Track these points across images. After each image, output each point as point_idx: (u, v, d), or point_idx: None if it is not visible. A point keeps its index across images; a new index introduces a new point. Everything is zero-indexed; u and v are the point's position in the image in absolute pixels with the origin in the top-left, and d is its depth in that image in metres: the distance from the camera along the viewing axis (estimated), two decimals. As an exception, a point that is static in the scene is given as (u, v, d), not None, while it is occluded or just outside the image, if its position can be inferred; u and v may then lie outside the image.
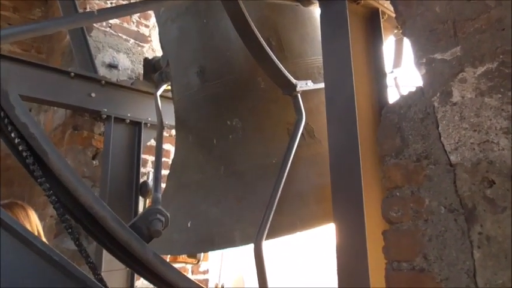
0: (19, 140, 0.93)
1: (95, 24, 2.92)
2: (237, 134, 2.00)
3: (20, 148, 0.93)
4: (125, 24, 3.20)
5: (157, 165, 1.83)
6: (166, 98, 2.70)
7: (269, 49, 1.69)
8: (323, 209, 1.58)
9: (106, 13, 1.22)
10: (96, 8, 3.04)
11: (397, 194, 1.01)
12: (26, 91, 2.37)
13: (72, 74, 2.62)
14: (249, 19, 1.66)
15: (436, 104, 0.95)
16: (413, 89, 1.01)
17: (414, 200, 0.96)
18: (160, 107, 2.43)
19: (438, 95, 0.94)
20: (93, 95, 2.70)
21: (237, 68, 2.13)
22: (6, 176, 3.36)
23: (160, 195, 1.52)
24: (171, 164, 2.30)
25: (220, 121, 2.10)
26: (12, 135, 0.93)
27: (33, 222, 2.04)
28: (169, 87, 2.67)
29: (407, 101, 1.01)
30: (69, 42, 3.01)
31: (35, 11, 3.54)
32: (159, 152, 1.93)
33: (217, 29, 2.19)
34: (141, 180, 2.87)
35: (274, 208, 1.48)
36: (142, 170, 2.92)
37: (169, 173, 2.28)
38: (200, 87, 2.19)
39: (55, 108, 3.03)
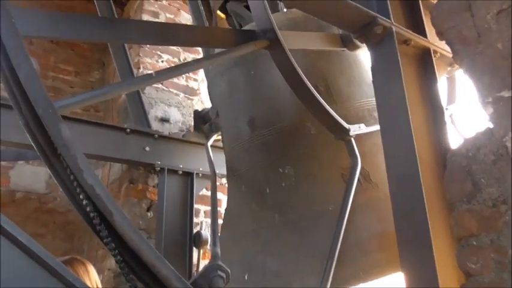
0: (86, 201, 0.96)
1: (147, 82, 3.07)
2: (289, 182, 1.98)
3: (88, 209, 0.96)
4: (175, 80, 3.35)
5: (214, 218, 1.82)
6: (217, 148, 2.75)
7: (319, 95, 1.69)
8: (386, 258, 1.49)
9: (163, 74, 1.28)
10: (149, 66, 3.23)
11: (474, 242, 0.93)
12: (87, 149, 2.50)
13: (128, 129, 2.74)
14: (297, 67, 1.68)
15: (508, 145, 0.88)
16: (481, 130, 0.96)
17: (495, 249, 0.88)
18: (212, 157, 2.47)
19: (510, 135, 0.88)
20: (147, 148, 2.80)
21: (286, 115, 2.15)
22: (66, 230, 3.49)
23: (219, 250, 1.50)
24: (225, 213, 2.29)
25: (272, 169, 2.09)
26: (80, 196, 0.97)
27: (92, 278, 2.08)
28: (219, 137, 2.73)
29: (476, 143, 0.96)
30: (124, 100, 3.19)
31: (94, 73, 3.80)
32: (214, 204, 1.94)
33: (264, 79, 2.24)
34: (195, 230, 2.88)
35: (335, 258, 1.41)
36: (195, 220, 2.94)
37: (223, 223, 2.27)
38: (250, 136, 2.21)
39: (111, 162, 3.17)
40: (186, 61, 3.46)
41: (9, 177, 3.23)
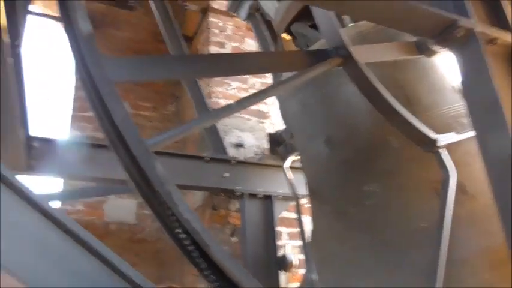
0: (184, 235, 0.98)
1: (220, 110, 3.18)
2: (376, 200, 1.90)
3: (186, 242, 0.99)
4: (246, 105, 3.41)
5: (304, 241, 1.79)
6: (294, 169, 2.73)
7: (400, 107, 1.61)
8: (499, 276, 1.36)
9: (242, 103, 1.30)
10: (220, 95, 3.33)
11: None
12: (172, 180, 2.61)
13: (207, 158, 2.83)
14: (375, 81, 1.63)
15: None
16: None
17: None
18: (291, 178, 2.46)
19: None
20: (226, 175, 2.86)
21: (364, 131, 2.08)
22: (157, 258, 3.65)
23: (313, 276, 1.47)
24: (311, 235, 2.25)
25: (355, 188, 2.02)
26: (178, 230, 1.00)
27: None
28: (296, 158, 2.72)
29: None
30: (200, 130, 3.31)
31: (169, 106, 4.01)
32: (302, 227, 1.91)
33: (337, 96, 2.20)
34: (279, 253, 2.86)
35: (442, 279, 1.31)
36: (278, 242, 2.93)
37: (310, 245, 2.23)
38: (329, 155, 2.16)
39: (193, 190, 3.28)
40: (254, 86, 3.53)
41: (103, 210, 3.47)
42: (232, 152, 3.13)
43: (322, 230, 2.20)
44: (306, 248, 1.79)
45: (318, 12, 1.77)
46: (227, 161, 2.92)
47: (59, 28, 4.17)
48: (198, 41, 3.74)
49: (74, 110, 3.70)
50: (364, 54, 1.69)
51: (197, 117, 2.90)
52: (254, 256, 2.78)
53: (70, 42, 1.12)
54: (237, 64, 1.51)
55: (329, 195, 2.18)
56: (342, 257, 1.89)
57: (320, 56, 1.66)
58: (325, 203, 2.20)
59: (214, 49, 3.42)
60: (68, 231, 0.78)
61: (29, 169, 2.23)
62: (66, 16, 1.06)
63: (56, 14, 3.61)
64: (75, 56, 1.13)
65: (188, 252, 1.00)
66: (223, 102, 3.34)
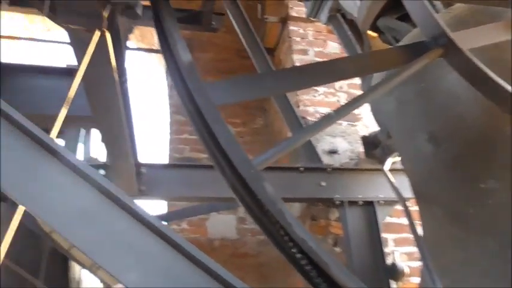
0: (300, 254, 0.96)
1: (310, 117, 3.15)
2: (498, 198, 1.71)
3: (302, 262, 0.96)
4: (335, 110, 3.33)
5: (421, 249, 1.66)
6: (394, 171, 2.58)
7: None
8: None
9: (342, 111, 1.25)
10: (308, 103, 3.29)
11: None
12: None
13: (302, 168, 2.80)
14: (484, 67, 1.47)
15: None
16: None
17: None
18: (393, 182, 2.32)
19: None
20: (323, 183, 2.80)
21: (474, 123, 1.89)
22: (260, 272, 3.68)
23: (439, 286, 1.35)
24: (424, 241, 2.09)
25: (469, 186, 1.84)
26: (293, 250, 0.97)
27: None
28: (396, 159, 2.57)
29: None
30: (290, 139, 3.29)
31: (257, 120, 4.07)
32: (415, 232, 1.78)
33: (438, 89, 2.03)
34: (387, 261, 2.71)
35: None
36: (385, 250, 2.78)
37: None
38: (435, 153, 2.00)
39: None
40: (341, 89, 3.43)
41: (206, 227, 3.61)
42: (326, 159, 3.06)
43: (435, 235, 2.04)
44: (423, 255, 1.66)
45: (409, 2, 1.66)
46: (322, 170, 2.86)
47: (150, 59, 4.47)
48: (281, 52, 3.75)
49: (171, 133, 3.93)
50: (467, 40, 1.54)
51: (301, 128, 2.88)
52: (361, 266, 2.67)
53: (171, 71, 1.17)
54: (329, 71, 1.47)
55: (439, 196, 2.01)
56: (467, 266, 1.72)
57: (417, 50, 1.55)
58: (435, 205, 2.04)
59: (297, 57, 3.40)
60: (185, 253, 0.80)
61: (140, 194, 2.39)
62: (167, 48, 1.10)
63: (148, 46, 3.88)
64: (176, 83, 1.18)
65: (306, 272, 0.97)
66: (311, 109, 3.29)
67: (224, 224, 3.65)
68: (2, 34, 2.78)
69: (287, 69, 2.78)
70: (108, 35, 1.23)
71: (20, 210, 1.21)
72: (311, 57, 3.43)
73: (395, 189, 2.22)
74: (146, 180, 2.47)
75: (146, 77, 4.62)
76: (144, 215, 0.76)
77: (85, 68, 1.17)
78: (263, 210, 1.02)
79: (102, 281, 2.67)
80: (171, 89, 4.09)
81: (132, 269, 0.73)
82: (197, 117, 1.08)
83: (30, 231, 2.62)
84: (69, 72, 1.71)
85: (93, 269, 2.52)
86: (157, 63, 4.32)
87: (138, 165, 2.46)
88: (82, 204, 0.78)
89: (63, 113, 1.11)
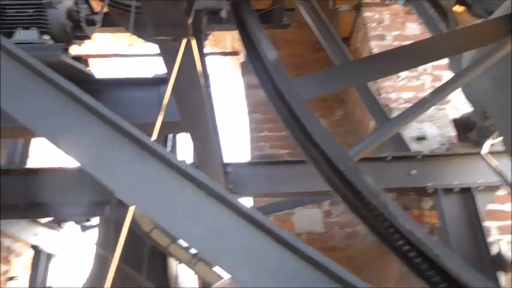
0: (408, 246, 0.91)
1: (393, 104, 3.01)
2: None
3: (411, 255, 0.91)
4: (419, 94, 3.15)
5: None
6: (495, 154, 2.38)
7: None
8: None
9: (438, 93, 1.18)
10: (390, 89, 3.15)
11: None
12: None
13: (388, 157, 2.68)
14: None
15: None
16: None
17: None
18: (496, 165, 2.14)
19: None
20: (413, 172, 2.66)
21: None
22: (350, 264, 3.60)
23: None
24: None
25: None
26: (399, 243, 0.93)
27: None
28: (494, 141, 2.37)
29: None
30: (372, 129, 3.18)
31: (337, 112, 3.99)
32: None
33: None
34: (492, 251, 2.50)
35: None
36: (488, 239, 2.57)
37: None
38: (544, 131, 1.81)
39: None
40: (425, 71, 3.23)
41: (292, 222, 3.62)
42: (414, 146, 2.91)
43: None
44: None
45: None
46: (412, 157, 2.71)
47: (224, 62, 4.59)
48: (356, 40, 3.64)
49: (250, 132, 3.99)
50: None
51: (392, 118, 2.77)
52: (462, 257, 2.49)
53: (257, 70, 1.19)
54: (415, 54, 1.39)
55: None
56: None
57: (517, 20, 1.41)
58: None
59: (375, 43, 3.27)
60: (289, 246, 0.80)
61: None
62: (252, 48, 1.12)
63: (222, 50, 3.98)
64: (263, 81, 1.19)
65: (415, 265, 0.92)
66: (394, 96, 3.14)
67: (310, 218, 3.63)
68: (92, 53, 3.02)
69: (370, 57, 2.68)
70: (193, 42, 1.27)
71: (131, 211, 1.30)
72: (389, 42, 3.27)
73: (499, 173, 2.04)
74: (233, 178, 2.53)
75: (222, 79, 4.74)
76: (251, 213, 0.78)
77: (175, 75, 1.22)
78: (364, 203, 1.00)
79: (199, 275, 2.79)
80: (248, 89, 4.16)
81: (243, 266, 0.75)
82: (287, 114, 1.08)
83: (131, 231, 2.82)
84: (156, 82, 1.80)
85: (191, 264, 2.64)
86: (232, 65, 4.42)
87: (224, 165, 2.53)
88: (190, 203, 0.81)
89: (159, 119, 1.17)
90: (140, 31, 2.45)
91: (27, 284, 3.53)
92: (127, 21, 2.45)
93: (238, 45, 4.14)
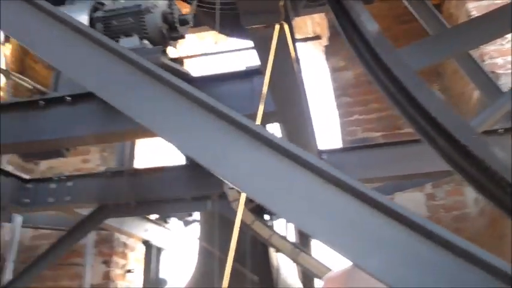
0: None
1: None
2: None
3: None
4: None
5: None
6: None
7: None
8: None
9: None
10: (495, 54, 2.84)
11: None
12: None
13: (501, 130, 2.41)
14: None
15: None
16: None
17: None
18: None
19: None
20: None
21: None
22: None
23: None
24: None
25: None
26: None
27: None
28: None
29: None
30: (477, 100, 2.91)
31: (433, 86, 3.71)
32: None
33: None
34: None
35: None
36: None
37: None
38: None
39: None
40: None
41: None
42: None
43: None
44: None
45: None
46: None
47: (306, 48, 4.50)
48: (450, 5, 3.33)
49: (340, 116, 3.88)
50: None
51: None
52: None
53: (355, 46, 1.11)
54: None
55: None
56: None
57: None
58: None
59: (472, 5, 2.95)
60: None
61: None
62: (349, 23, 1.05)
63: (304, 36, 3.91)
64: (363, 57, 1.11)
65: None
66: (500, 61, 2.82)
67: (412, 202, 3.43)
68: (182, 55, 3.14)
69: (474, 20, 2.43)
70: (286, 27, 1.24)
71: (242, 198, 1.31)
72: (490, 0, 2.94)
73: None
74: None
75: (306, 65, 4.67)
76: (377, 198, 0.73)
77: (271, 63, 1.20)
78: (494, 180, 0.88)
79: (302, 267, 2.78)
80: (334, 72, 4.04)
81: (373, 255, 0.70)
82: (395, 88, 1.00)
83: (232, 224, 2.90)
84: (248, 74, 1.80)
85: (293, 255, 2.64)
86: (315, 50, 4.33)
87: (319, 152, 2.48)
88: (308, 191, 0.78)
89: (260, 109, 1.16)
90: (225, 27, 2.50)
91: (142, 276, 3.82)
92: (212, 19, 2.51)
93: (320, 29, 4.04)
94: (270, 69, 1.20)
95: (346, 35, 1.14)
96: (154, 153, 4.27)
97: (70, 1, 1.78)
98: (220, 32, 2.58)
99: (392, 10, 3.78)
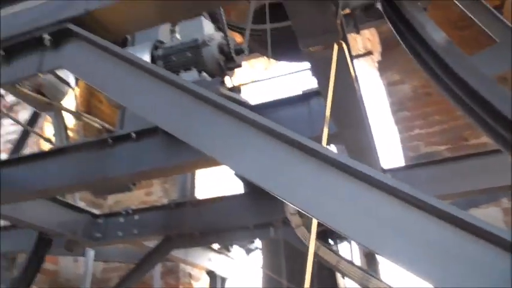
0: None
1: None
2: None
3: None
4: None
5: None
6: None
7: None
8: None
9: None
10: None
11: None
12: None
13: None
14: None
15: None
16: None
17: None
18: None
19: None
20: None
21: None
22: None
23: None
24: None
25: None
26: None
27: None
28: None
29: None
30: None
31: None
32: None
33: None
34: None
35: None
36: None
37: None
38: None
39: None
40: None
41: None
42: None
43: None
44: None
45: None
46: None
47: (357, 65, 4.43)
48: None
49: (399, 132, 3.74)
50: None
51: None
52: None
53: (419, 56, 1.07)
54: None
55: None
56: None
57: None
58: None
59: (537, 5, 2.77)
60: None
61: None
62: (413, 35, 1.01)
63: (355, 53, 3.86)
64: (428, 68, 1.06)
65: None
66: None
67: (488, 218, 3.17)
68: (235, 83, 3.20)
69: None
70: (344, 45, 1.22)
71: (314, 224, 1.27)
72: (557, -3, 2.74)
73: None
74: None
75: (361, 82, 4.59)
76: (457, 214, 0.67)
77: (332, 84, 1.18)
78: None
79: (371, 292, 2.64)
80: (389, 87, 3.93)
81: (457, 279, 0.64)
82: (470, 98, 0.94)
83: (298, 251, 2.84)
84: (305, 97, 1.79)
85: (364, 282, 2.52)
86: (367, 66, 4.24)
87: (383, 171, 2.38)
88: (387, 214, 0.74)
89: (325, 131, 1.13)
90: (276, 53, 2.52)
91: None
92: (263, 46, 2.54)
93: (371, 44, 3.97)
94: (332, 90, 1.18)
95: (409, 47, 1.10)
96: (214, 182, 4.34)
97: (131, 42, 1.89)
98: (272, 57, 2.61)
99: (447, 17, 3.64)
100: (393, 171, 2.50)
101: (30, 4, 1.17)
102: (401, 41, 1.15)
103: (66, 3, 1.15)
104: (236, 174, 2.54)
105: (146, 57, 1.71)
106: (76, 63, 1.15)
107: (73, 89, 2.39)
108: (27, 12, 1.19)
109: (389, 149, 4.16)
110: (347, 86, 1.32)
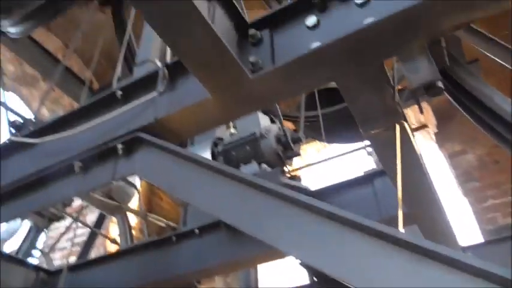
0: None
1: None
2: None
3: None
4: None
5: None
6: None
7: None
8: None
9: None
10: None
11: None
12: None
13: None
14: None
15: None
16: None
17: None
18: None
19: None
20: None
21: None
22: None
23: None
24: None
25: None
26: None
27: None
28: None
29: None
30: None
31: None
32: None
33: None
34: None
35: None
36: None
37: None
38: None
39: None
40: None
41: None
42: None
43: None
44: None
45: None
46: None
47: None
48: None
49: (471, 204, 3.49)
50: None
51: None
52: None
53: (490, 128, 1.02)
54: None
55: None
56: None
57: None
58: None
59: None
60: None
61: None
62: (478, 107, 0.98)
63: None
64: (503, 139, 1.01)
65: None
66: None
67: None
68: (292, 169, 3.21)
69: None
70: (405, 124, 1.20)
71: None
72: None
73: None
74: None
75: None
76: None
77: (400, 165, 1.14)
78: None
79: None
80: (452, 158, 3.76)
81: None
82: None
83: None
84: (369, 178, 1.74)
85: None
86: (423, 140, 4.14)
87: (462, 250, 2.18)
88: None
89: (400, 214, 1.07)
90: (330, 136, 2.53)
91: None
92: (316, 131, 2.57)
93: (424, 117, 3.90)
94: (400, 170, 1.14)
95: (475, 117, 1.06)
96: (277, 274, 4.17)
97: (191, 142, 1.98)
98: (326, 141, 2.62)
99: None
100: (473, 248, 2.29)
101: (106, 117, 1.28)
102: (465, 113, 1.12)
103: (137, 114, 1.24)
104: (302, 264, 2.43)
105: (207, 155, 1.77)
106: (147, 168, 1.21)
107: (139, 191, 2.49)
108: (103, 125, 1.29)
109: (462, 223, 3.87)
110: (413, 164, 1.28)
